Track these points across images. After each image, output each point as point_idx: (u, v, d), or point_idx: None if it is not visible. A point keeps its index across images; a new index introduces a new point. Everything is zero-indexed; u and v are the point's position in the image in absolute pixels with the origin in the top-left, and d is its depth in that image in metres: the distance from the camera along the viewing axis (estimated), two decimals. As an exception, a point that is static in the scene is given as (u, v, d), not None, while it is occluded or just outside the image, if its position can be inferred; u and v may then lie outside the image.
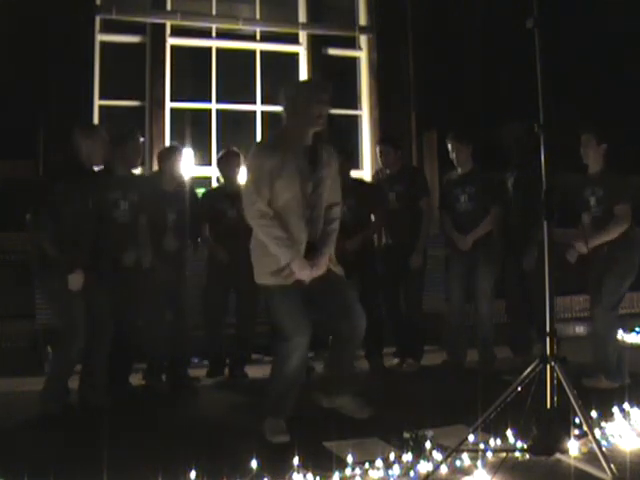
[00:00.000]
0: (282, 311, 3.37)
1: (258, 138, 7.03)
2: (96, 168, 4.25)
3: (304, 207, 3.34)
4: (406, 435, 3.03)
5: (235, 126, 6.99)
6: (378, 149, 5.41)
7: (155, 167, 5.66)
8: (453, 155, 5.12)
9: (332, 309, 3.50)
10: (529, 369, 2.82)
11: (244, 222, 3.48)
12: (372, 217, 5.31)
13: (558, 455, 2.80)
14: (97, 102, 6.49)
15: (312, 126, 3.37)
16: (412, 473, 2.72)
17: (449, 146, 5.13)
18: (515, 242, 4.95)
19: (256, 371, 5.11)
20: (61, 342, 3.97)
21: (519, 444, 2.96)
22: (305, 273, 3.33)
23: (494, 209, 5.06)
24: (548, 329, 2.85)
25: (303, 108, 3.34)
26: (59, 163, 4.27)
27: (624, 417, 3.34)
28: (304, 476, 2.67)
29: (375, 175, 5.44)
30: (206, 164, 6.72)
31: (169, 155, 4.77)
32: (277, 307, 3.40)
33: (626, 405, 3.46)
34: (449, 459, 2.78)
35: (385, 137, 5.93)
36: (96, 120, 6.39)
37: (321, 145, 3.46)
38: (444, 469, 2.73)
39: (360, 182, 5.65)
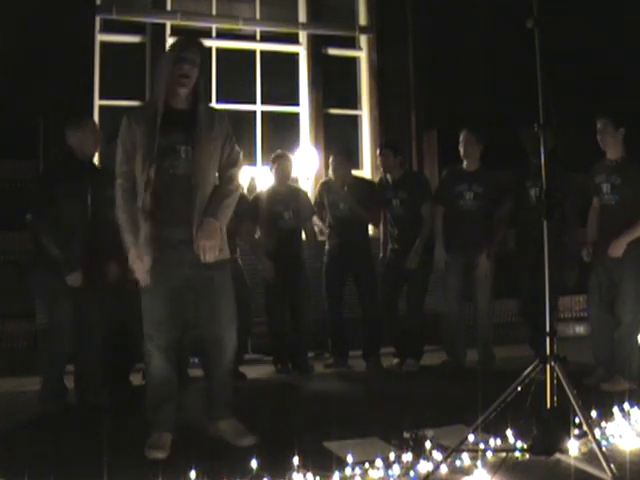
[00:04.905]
0: (143, 294, 3.11)
1: (258, 138, 7.05)
2: (95, 163, 4.27)
3: (163, 175, 2.99)
4: (406, 435, 3.03)
5: (235, 126, 6.94)
6: (378, 153, 5.46)
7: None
8: (462, 148, 5.11)
9: (200, 314, 3.19)
10: (529, 369, 2.82)
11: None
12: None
13: (558, 455, 2.80)
14: (97, 102, 6.49)
15: (177, 86, 3.02)
16: (412, 473, 2.72)
17: (461, 138, 5.12)
18: (532, 245, 4.88)
19: (256, 371, 5.12)
20: (46, 340, 4.00)
21: (519, 444, 2.96)
22: (138, 268, 3.02)
23: (502, 211, 5.07)
24: (548, 329, 2.85)
25: (166, 68, 3.04)
26: (56, 160, 4.28)
27: (624, 417, 3.33)
28: (304, 476, 2.66)
29: (379, 183, 5.46)
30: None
31: None
32: (143, 296, 3.12)
33: (626, 405, 3.46)
34: (449, 459, 2.78)
35: (385, 141, 5.98)
36: (96, 120, 6.38)
37: (199, 107, 3.10)
38: (444, 469, 2.73)
39: (361, 180, 5.70)
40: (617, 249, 4.24)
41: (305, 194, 5.44)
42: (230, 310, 3.19)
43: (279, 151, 5.38)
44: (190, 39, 3.25)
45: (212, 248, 3.04)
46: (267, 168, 5.46)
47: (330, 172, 5.43)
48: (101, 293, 4.19)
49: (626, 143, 4.36)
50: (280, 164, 5.21)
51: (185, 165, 3.03)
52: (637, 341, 4.39)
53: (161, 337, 3.07)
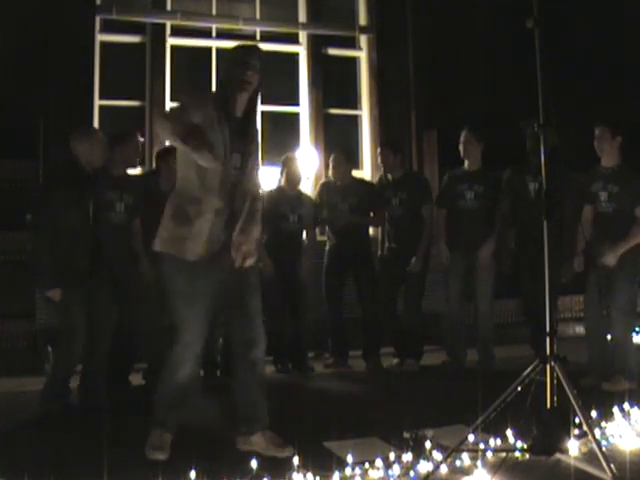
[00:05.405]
0: (179, 296, 2.99)
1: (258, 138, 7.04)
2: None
3: (226, 180, 2.99)
4: (406, 435, 3.04)
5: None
6: (378, 152, 5.46)
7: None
8: (462, 147, 5.11)
9: (231, 316, 3.13)
10: (529, 369, 2.82)
11: None
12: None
13: (558, 455, 2.80)
14: (97, 102, 6.48)
15: (238, 90, 3.04)
16: (412, 473, 2.72)
17: (462, 137, 5.12)
18: (532, 245, 4.85)
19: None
20: (60, 343, 3.99)
21: (519, 444, 2.96)
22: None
23: (500, 211, 5.07)
24: (548, 329, 2.85)
25: (229, 71, 3.05)
26: (59, 168, 4.26)
27: (624, 417, 3.34)
28: (304, 476, 2.67)
29: (379, 182, 5.47)
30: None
31: (167, 155, 4.77)
32: (173, 289, 3.00)
33: (626, 405, 3.47)
34: (449, 459, 2.79)
35: (385, 141, 5.98)
36: (96, 120, 6.39)
37: (254, 118, 3.20)
38: (444, 469, 2.73)
39: (361, 181, 5.71)
40: (612, 258, 4.28)
41: (310, 199, 5.41)
42: (260, 312, 3.15)
43: (290, 154, 5.38)
44: (253, 45, 3.27)
45: (252, 255, 3.06)
46: (276, 169, 5.41)
47: (330, 171, 5.44)
48: (106, 296, 4.21)
49: (622, 152, 4.38)
50: (291, 167, 5.21)
51: (235, 172, 3.04)
52: (632, 340, 4.42)
53: (197, 340, 3.01)
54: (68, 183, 3.95)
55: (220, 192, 2.99)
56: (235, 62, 3.04)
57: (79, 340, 3.90)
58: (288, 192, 5.18)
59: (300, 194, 5.31)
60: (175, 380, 3.03)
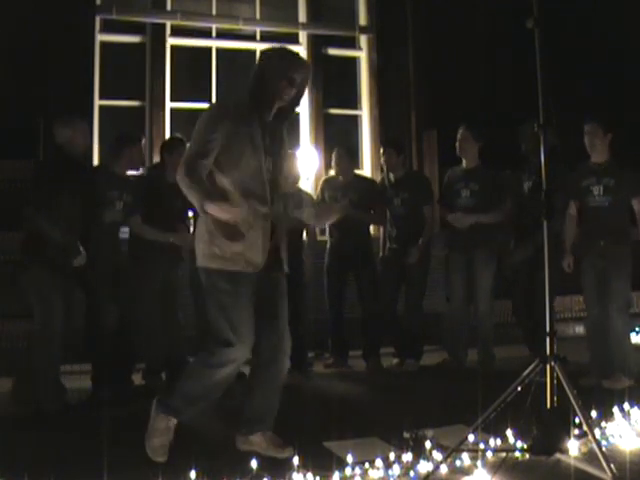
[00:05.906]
0: (232, 302, 2.91)
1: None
2: (95, 165, 4.28)
3: (265, 184, 2.98)
4: (406, 435, 3.04)
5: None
6: (381, 152, 5.45)
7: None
8: (458, 145, 5.10)
9: (259, 319, 3.01)
10: (529, 369, 2.82)
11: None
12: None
13: (558, 455, 2.80)
14: (97, 102, 6.49)
15: (276, 102, 3.04)
16: (412, 473, 2.72)
17: (459, 135, 5.11)
18: (527, 244, 4.86)
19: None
20: (38, 339, 3.99)
21: (519, 444, 2.96)
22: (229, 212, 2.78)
23: (499, 208, 5.07)
24: (548, 329, 2.85)
25: (271, 82, 3.01)
26: (47, 159, 4.31)
27: (624, 417, 3.34)
28: (304, 476, 2.67)
29: (381, 182, 5.46)
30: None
31: (172, 147, 4.78)
32: (220, 300, 2.93)
33: (626, 405, 3.47)
34: (449, 459, 2.79)
35: (388, 140, 5.98)
36: (96, 120, 6.39)
37: (284, 121, 3.17)
38: (444, 469, 2.73)
39: (362, 178, 5.72)
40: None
41: (310, 196, 5.40)
42: (287, 316, 3.12)
43: (289, 151, 5.37)
44: (302, 60, 3.16)
45: (285, 256, 3.10)
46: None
47: (332, 165, 5.44)
48: (100, 293, 4.21)
49: (612, 150, 4.39)
50: (291, 164, 5.20)
51: (268, 176, 3.02)
52: (630, 337, 4.44)
53: (249, 344, 2.94)
54: (58, 174, 3.98)
55: (263, 198, 2.97)
56: (281, 74, 2.98)
57: (59, 338, 3.92)
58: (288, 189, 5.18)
59: (300, 191, 5.30)
60: (212, 377, 2.96)
